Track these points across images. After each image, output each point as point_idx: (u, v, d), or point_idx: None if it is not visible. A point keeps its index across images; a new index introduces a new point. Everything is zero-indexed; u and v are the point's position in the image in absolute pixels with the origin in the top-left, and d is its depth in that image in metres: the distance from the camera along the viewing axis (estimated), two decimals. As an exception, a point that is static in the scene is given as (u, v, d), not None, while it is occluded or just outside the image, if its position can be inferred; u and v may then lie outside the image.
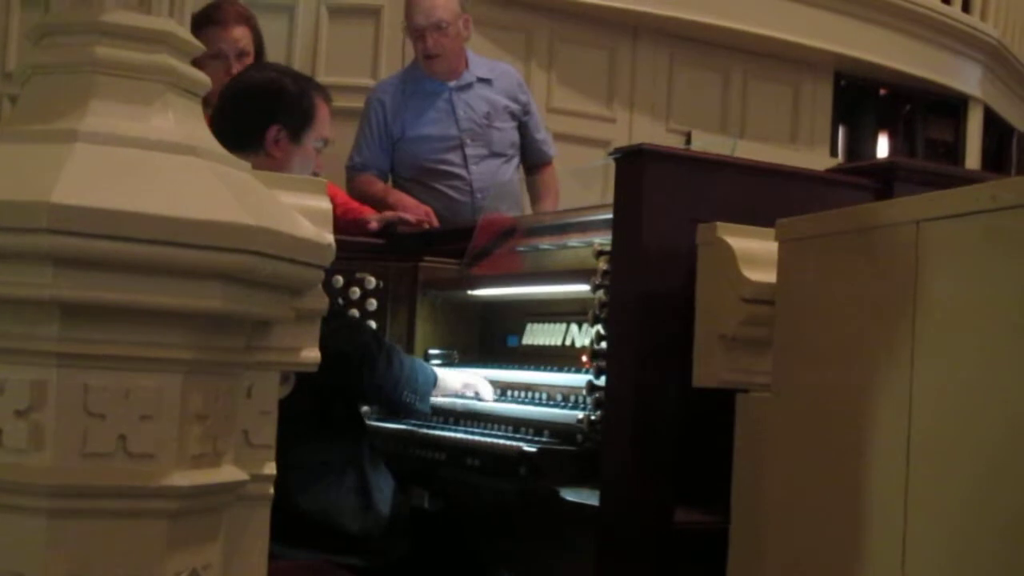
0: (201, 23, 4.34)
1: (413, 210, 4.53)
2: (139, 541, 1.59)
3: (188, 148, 1.67)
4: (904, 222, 1.97)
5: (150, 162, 1.62)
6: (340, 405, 3.11)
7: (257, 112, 3.12)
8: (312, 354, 1.89)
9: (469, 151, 4.89)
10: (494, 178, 4.88)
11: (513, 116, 5.04)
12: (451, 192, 4.86)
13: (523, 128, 5.08)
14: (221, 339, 1.67)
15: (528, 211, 5.00)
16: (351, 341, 3.08)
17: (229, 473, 1.71)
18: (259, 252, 1.60)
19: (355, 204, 4.48)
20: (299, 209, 1.82)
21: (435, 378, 3.32)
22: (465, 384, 3.41)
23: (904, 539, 1.91)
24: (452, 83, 4.91)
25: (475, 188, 4.86)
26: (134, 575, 1.58)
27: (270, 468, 1.83)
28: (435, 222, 4.55)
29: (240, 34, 4.43)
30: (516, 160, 5.09)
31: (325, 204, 1.92)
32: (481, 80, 4.96)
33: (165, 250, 1.54)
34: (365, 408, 3.60)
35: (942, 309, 1.88)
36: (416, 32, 4.81)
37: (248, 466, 1.77)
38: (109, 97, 1.68)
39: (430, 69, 4.88)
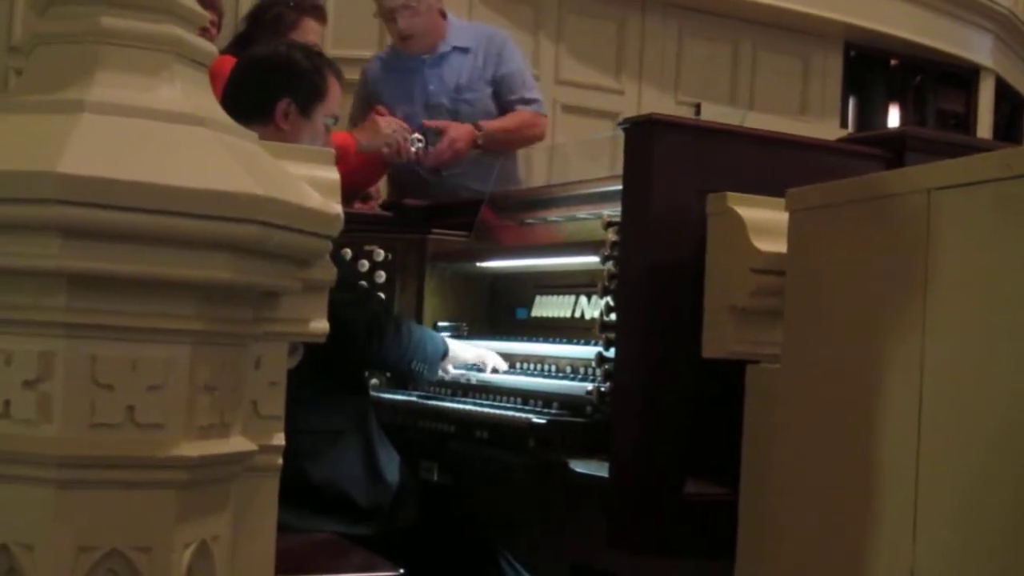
0: (305, 8, 4.41)
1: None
2: (148, 512, 1.59)
3: (195, 118, 1.66)
4: (915, 191, 1.95)
5: (157, 132, 1.61)
6: (345, 372, 3.11)
7: (267, 84, 3.12)
8: (320, 325, 1.89)
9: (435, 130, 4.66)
10: (467, 158, 4.70)
11: (488, 83, 4.81)
12: (418, 168, 4.77)
13: (497, 95, 4.82)
14: (229, 310, 1.67)
15: (511, 184, 4.84)
16: (360, 312, 3.08)
17: (237, 444, 1.71)
18: (267, 222, 1.59)
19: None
20: (306, 180, 1.81)
21: (445, 348, 3.32)
22: (479, 357, 3.41)
23: (915, 509, 1.91)
24: (427, 56, 4.74)
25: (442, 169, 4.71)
26: (143, 546, 1.58)
27: (279, 439, 1.83)
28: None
29: None
30: None
31: (333, 175, 1.92)
32: (458, 49, 4.77)
33: (172, 220, 1.53)
34: (374, 380, 3.60)
35: (953, 278, 1.87)
36: (387, 15, 4.65)
37: (256, 437, 1.77)
38: (115, 67, 1.67)
39: (407, 50, 4.73)
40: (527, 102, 4.80)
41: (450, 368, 3.39)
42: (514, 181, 4.77)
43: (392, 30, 4.72)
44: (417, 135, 4.46)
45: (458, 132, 4.54)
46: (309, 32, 4.43)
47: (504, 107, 4.78)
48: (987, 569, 1.78)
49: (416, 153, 4.44)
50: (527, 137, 4.85)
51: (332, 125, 3.24)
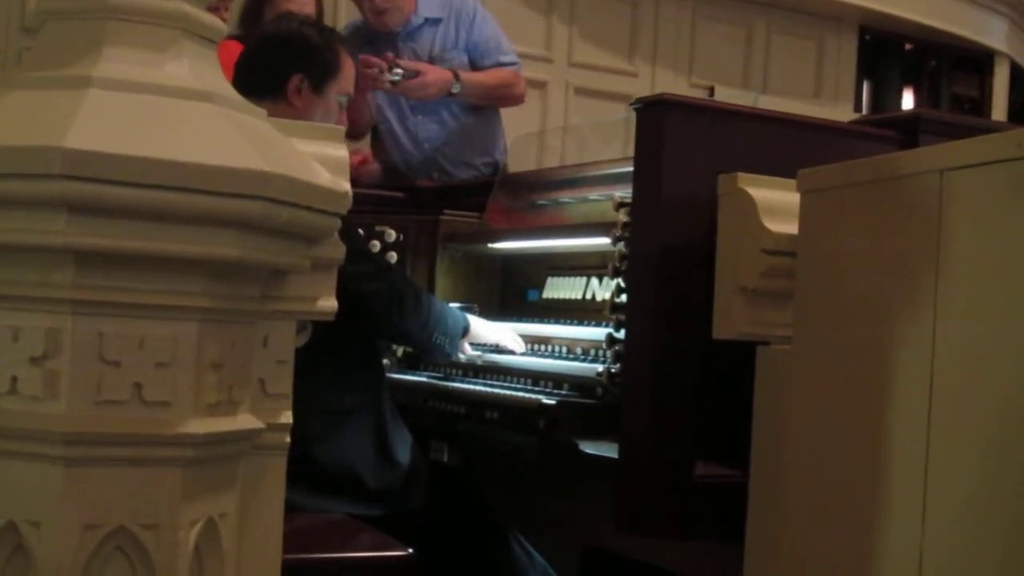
0: None
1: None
2: (155, 489, 1.59)
3: (203, 94, 1.65)
4: (928, 171, 1.94)
5: (164, 108, 1.60)
6: (360, 351, 3.10)
7: (280, 61, 3.10)
8: (328, 303, 1.88)
9: (412, 101, 4.66)
10: (443, 126, 4.72)
11: (462, 52, 4.73)
12: (407, 142, 4.72)
13: (472, 62, 4.74)
14: (237, 287, 1.66)
15: (499, 156, 4.80)
16: (380, 282, 3.06)
17: (245, 422, 1.71)
18: (275, 199, 1.58)
19: None
20: (315, 157, 1.81)
21: (466, 324, 3.32)
22: (498, 339, 3.40)
23: (925, 491, 1.90)
24: (399, 30, 4.66)
25: (421, 138, 4.70)
26: (150, 523, 1.58)
27: (287, 417, 1.83)
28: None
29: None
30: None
31: (342, 152, 1.91)
32: (429, 20, 4.69)
33: (180, 196, 1.53)
34: (385, 361, 3.60)
35: (966, 259, 1.86)
36: None
37: (264, 415, 1.77)
38: (123, 43, 1.66)
39: (383, 25, 4.64)
40: (503, 65, 4.75)
41: (467, 348, 3.38)
42: (497, 151, 4.78)
43: (366, 7, 4.63)
44: (399, 69, 4.41)
45: (434, 76, 4.50)
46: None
47: (479, 71, 4.72)
48: (998, 552, 1.78)
49: (392, 82, 4.41)
50: (505, 95, 4.81)
51: (346, 104, 3.21)
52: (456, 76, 4.54)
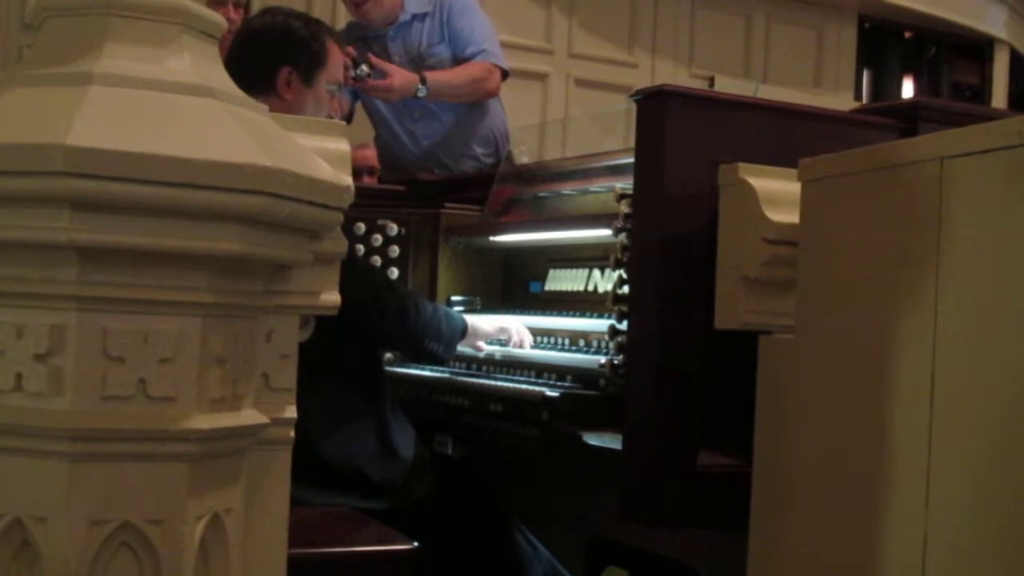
0: None
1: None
2: (160, 484, 1.59)
3: (205, 90, 1.65)
4: (928, 159, 1.94)
5: (166, 104, 1.61)
6: (357, 348, 3.09)
7: (267, 55, 3.09)
8: (331, 297, 1.88)
9: (410, 100, 4.61)
10: (441, 123, 4.71)
11: (447, 45, 4.70)
12: (406, 139, 4.73)
13: (454, 56, 4.70)
14: (240, 282, 1.67)
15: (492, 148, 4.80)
16: (361, 286, 3.03)
17: (249, 416, 1.71)
18: (277, 194, 1.59)
19: None
20: (317, 151, 1.81)
21: (464, 326, 3.30)
22: (499, 328, 3.39)
23: (928, 479, 1.90)
24: (389, 30, 4.66)
25: (419, 136, 4.71)
26: (155, 518, 1.59)
27: (291, 412, 1.83)
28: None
29: None
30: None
31: (343, 147, 1.91)
32: (417, 16, 4.67)
33: (183, 192, 1.53)
34: (388, 355, 3.60)
35: (966, 247, 1.86)
36: None
37: (269, 410, 1.77)
38: (124, 39, 1.66)
39: (362, 17, 4.65)
40: (474, 55, 4.67)
41: (483, 346, 3.37)
42: (498, 138, 4.77)
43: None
44: (364, 66, 4.37)
45: (400, 81, 4.43)
46: None
47: (459, 63, 4.69)
48: (1001, 536, 1.78)
49: (355, 78, 4.36)
50: (475, 91, 4.71)
51: (336, 92, 3.21)
52: (423, 80, 4.48)
